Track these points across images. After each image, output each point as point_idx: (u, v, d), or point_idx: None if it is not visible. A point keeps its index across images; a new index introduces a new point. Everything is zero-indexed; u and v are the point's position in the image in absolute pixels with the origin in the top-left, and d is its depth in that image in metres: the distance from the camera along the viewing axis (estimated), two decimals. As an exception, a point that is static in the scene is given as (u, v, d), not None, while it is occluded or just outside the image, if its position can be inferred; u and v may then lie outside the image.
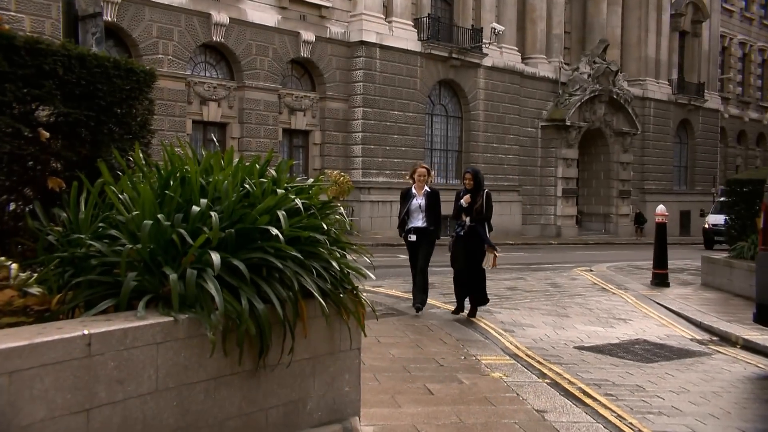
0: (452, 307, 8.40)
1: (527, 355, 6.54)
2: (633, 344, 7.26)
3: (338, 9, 23.12)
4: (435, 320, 7.76)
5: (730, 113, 41.62)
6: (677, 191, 36.52)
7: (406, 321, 7.58)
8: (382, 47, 23.50)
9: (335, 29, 22.91)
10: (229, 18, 20.23)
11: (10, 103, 3.35)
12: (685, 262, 16.94)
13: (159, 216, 2.95)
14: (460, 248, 7.92)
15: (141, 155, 3.55)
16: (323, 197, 4.00)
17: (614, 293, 11.11)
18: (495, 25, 26.38)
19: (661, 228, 11.98)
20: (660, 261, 12.00)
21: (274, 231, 3.08)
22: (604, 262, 16.77)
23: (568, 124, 29.38)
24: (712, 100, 38.57)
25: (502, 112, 27.78)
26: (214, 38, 20.06)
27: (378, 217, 23.22)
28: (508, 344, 6.93)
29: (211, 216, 2.97)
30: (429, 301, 8.65)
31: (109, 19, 17.44)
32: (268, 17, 21.23)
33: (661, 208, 12.28)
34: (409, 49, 24.23)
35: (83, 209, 3.18)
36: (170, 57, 19.15)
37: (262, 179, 3.54)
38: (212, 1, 20.01)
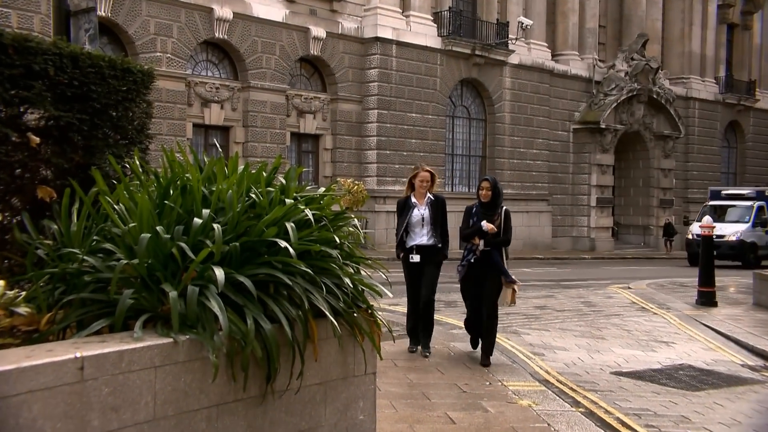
0: None
1: (559, 381, 6.49)
2: (677, 370, 7.18)
3: (351, 2, 23.26)
4: (457, 342, 7.72)
5: (784, 114, 41.22)
6: (725, 200, 36.14)
7: (426, 343, 7.55)
8: (399, 44, 23.59)
9: (348, 24, 23.04)
10: (233, 13, 20.42)
11: (-3, 106, 3.40)
12: (735, 279, 16.74)
13: (158, 228, 2.97)
14: (471, 279, 6.82)
15: (138, 162, 3.58)
16: (335, 208, 4.01)
17: (655, 313, 11.01)
18: (522, 19, 26.40)
19: (707, 241, 11.87)
20: (706, 277, 11.88)
21: (283, 244, 3.09)
22: (644, 279, 16.64)
23: (603, 126, 29.25)
24: (765, 100, 38.26)
25: (530, 114, 27.73)
26: (217, 35, 20.25)
27: (394, 229, 23.17)
28: (537, 369, 6.88)
29: (214, 228, 2.98)
30: (448, 320, 8.62)
31: (103, 14, 17.68)
32: (275, 12, 21.40)
33: (707, 220, 12.18)
34: (428, 45, 24.30)
35: (75, 221, 3.21)
36: (169, 55, 19.35)
37: (269, 188, 3.56)
38: (214, -5, 20.22)
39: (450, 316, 9.55)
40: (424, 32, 24.23)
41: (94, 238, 3.17)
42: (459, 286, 7.05)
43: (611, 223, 31.04)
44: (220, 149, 4.13)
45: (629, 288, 14.32)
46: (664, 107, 31.40)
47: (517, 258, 20.45)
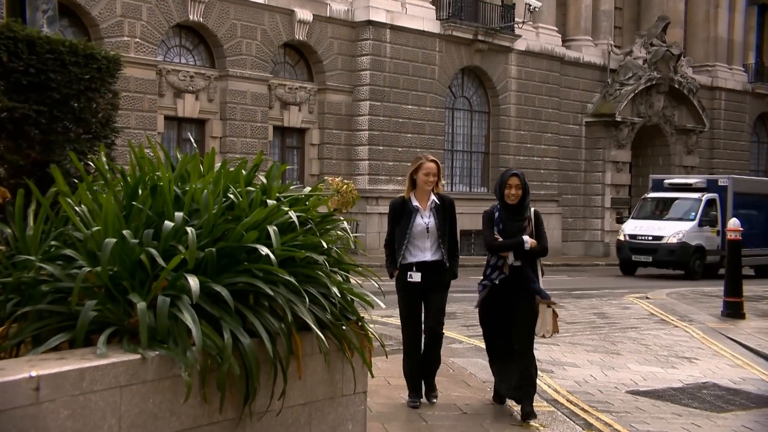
0: (479, 342, 8.26)
1: (569, 400, 6.50)
2: (700, 389, 7.19)
3: (340, -18, 23.29)
4: (457, 357, 7.73)
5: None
6: (754, 201, 36.24)
7: (423, 359, 7.55)
8: (394, 28, 23.62)
9: (337, 6, 23.06)
10: (209, -7, 20.42)
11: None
12: (765, 288, 16.81)
13: (124, 232, 2.97)
14: (496, 304, 5.78)
15: (103, 158, 3.57)
16: (322, 209, 4.01)
17: (676, 326, 11.04)
18: (530, 0, 26.48)
19: (734, 246, 11.91)
20: (733, 287, 11.91)
21: (264, 250, 3.10)
22: (664, 288, 16.68)
23: (618, 119, 29.35)
24: (797, 90, 38.39)
25: (538, 106, 27.81)
26: (191, 17, 20.23)
27: (388, 232, 23.20)
28: (545, 387, 6.89)
29: (187, 232, 2.98)
30: (450, 334, 8.61)
31: (66, -6, 17.64)
32: (256, -8, 21.41)
33: (734, 222, 12.20)
34: (425, 30, 24.34)
35: (32, 224, 3.20)
36: (138, 40, 19.32)
37: (249, 188, 3.56)
38: (189, -27, 20.21)
39: (448, 329, 9.55)
40: (421, 15, 24.27)
41: (53, 243, 3.16)
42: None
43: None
44: (194, 144, 4.13)
45: (647, 298, 14.35)
46: (686, 98, 31.52)
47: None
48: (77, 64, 3.84)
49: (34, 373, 2.45)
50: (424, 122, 24.54)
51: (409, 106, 24.13)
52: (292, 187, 4.10)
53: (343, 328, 3.47)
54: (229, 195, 3.44)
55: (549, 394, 6.66)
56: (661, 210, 22.59)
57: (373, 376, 3.69)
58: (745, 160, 36.03)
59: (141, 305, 2.76)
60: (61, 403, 2.50)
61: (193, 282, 2.81)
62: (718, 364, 8.47)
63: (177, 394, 2.79)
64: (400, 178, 23.77)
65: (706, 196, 22.12)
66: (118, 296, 2.90)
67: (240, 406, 3.00)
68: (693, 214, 21.79)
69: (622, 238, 22.06)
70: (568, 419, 5.72)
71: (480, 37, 25.41)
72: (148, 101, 19.52)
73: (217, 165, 3.62)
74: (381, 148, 23.59)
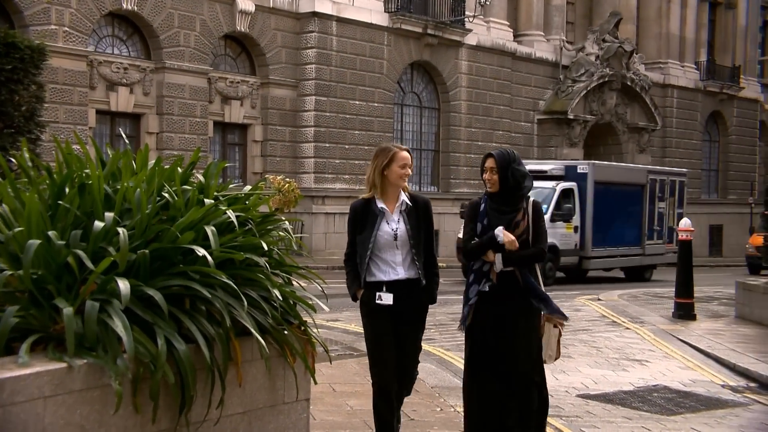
0: (435, 349, 8.26)
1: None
2: (651, 392, 7.36)
3: (284, -29, 23.19)
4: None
5: (771, 104, 42.68)
6: (706, 201, 37.25)
7: (370, 365, 7.56)
8: (340, 20, 23.60)
9: (280, -4, 22.95)
10: (145, -20, 20.12)
11: None
12: (716, 289, 17.25)
13: (50, 233, 2.92)
14: (488, 324, 4.81)
15: (27, 155, 3.50)
16: (264, 209, 4.00)
17: (628, 328, 11.25)
18: (481, -7, 26.73)
19: (685, 247, 12.20)
20: (684, 288, 12.20)
21: (201, 252, 3.08)
22: (615, 289, 16.97)
23: (571, 117, 29.84)
24: (750, 88, 39.51)
25: (489, 103, 28.10)
26: (125, 5, 19.89)
27: (334, 233, 23.20)
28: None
29: (118, 233, 2.95)
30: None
31: (-12, -21, 17.20)
32: (195, -20, 21.17)
33: (685, 222, 12.50)
34: (373, 22, 24.38)
35: (-50, 224, 3.12)
36: (67, 29, 18.92)
37: (185, 186, 3.53)
38: (123, -41, 19.88)
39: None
40: (368, 7, 24.31)
41: (-28, 245, 3.08)
42: (464, 336, 5.00)
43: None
44: (127, 141, 4.07)
45: (599, 299, 14.61)
46: (639, 95, 32.19)
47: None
48: (-1, 53, 3.76)
49: (-50, 384, 2.39)
50: (372, 119, 24.58)
51: (357, 102, 24.15)
52: (231, 186, 4.07)
53: (285, 332, 3.46)
54: (163, 194, 3.40)
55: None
56: None
57: (316, 383, 3.69)
58: (697, 159, 36.94)
59: (67, 311, 2.71)
60: (-20, 415, 2.45)
61: (124, 285, 2.77)
62: (669, 366, 8.67)
63: (106, 405, 2.75)
64: (347, 176, 23.81)
65: (561, 185, 19.65)
66: (43, 301, 2.85)
67: (175, 415, 2.97)
68: (544, 207, 19.73)
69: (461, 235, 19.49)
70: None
71: (430, 31, 25.55)
72: (78, 94, 19.13)
73: (151, 162, 3.58)
74: (327, 145, 23.55)
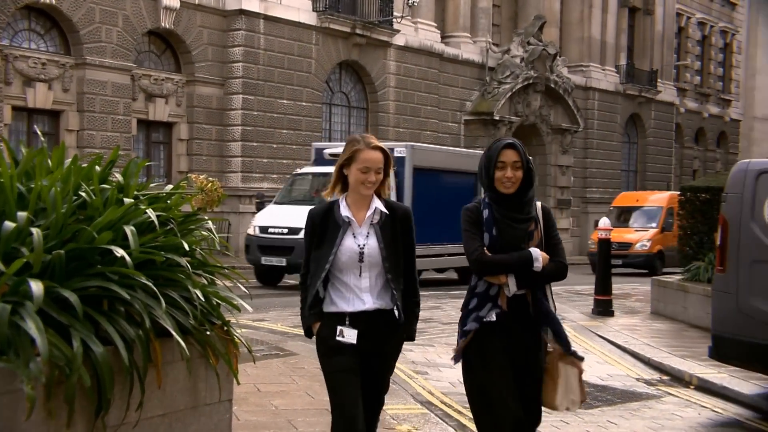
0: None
1: (443, 402, 6.66)
2: (571, 386, 7.55)
3: (211, -33, 22.90)
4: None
5: (687, 107, 44.19)
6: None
7: (295, 363, 7.55)
8: (268, 18, 23.43)
9: (207, -7, 22.65)
10: (66, -26, 19.60)
11: None
12: (633, 286, 17.80)
13: (-41, 233, 2.83)
14: (498, 361, 3.78)
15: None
16: (187, 208, 3.95)
17: (551, 325, 11.51)
18: (408, -6, 26.92)
19: (604, 246, 12.54)
20: (603, 285, 12.56)
21: (119, 252, 3.02)
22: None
23: (496, 118, 30.29)
24: (666, 92, 40.86)
25: (417, 103, 28.32)
26: (45, -1, 19.35)
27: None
28: (419, 389, 7.03)
29: (32, 233, 2.87)
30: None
31: None
32: (118, -25, 20.72)
33: (604, 222, 12.86)
34: (301, 21, 24.29)
35: None
36: (-16, 22, 18.29)
37: (103, 185, 3.46)
38: (42, -49, 19.31)
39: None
40: (296, 5, 24.21)
41: None
42: (462, 373, 3.97)
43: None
44: (43, 139, 3.96)
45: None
46: (562, 98, 32.90)
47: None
48: None
49: None
50: (300, 118, 24.49)
51: (285, 101, 24.02)
52: (153, 185, 4.01)
53: (208, 333, 3.43)
54: (80, 193, 3.33)
55: (423, 396, 6.80)
56: (316, 191, 16.17)
57: (239, 383, 3.66)
58: (617, 160, 38.01)
59: (-22, 313, 2.63)
60: None
61: (36, 287, 2.70)
62: (588, 361, 8.77)
63: (18, 411, 2.67)
64: (275, 175, 23.64)
65: None
66: (-47, 304, 2.75)
67: (91, 419, 2.91)
68: None
69: (251, 231, 16.66)
70: (441, 420, 5.87)
71: (358, 31, 25.61)
72: (-6, 90, 18.51)
73: (68, 160, 3.50)
74: (254, 144, 23.36)
